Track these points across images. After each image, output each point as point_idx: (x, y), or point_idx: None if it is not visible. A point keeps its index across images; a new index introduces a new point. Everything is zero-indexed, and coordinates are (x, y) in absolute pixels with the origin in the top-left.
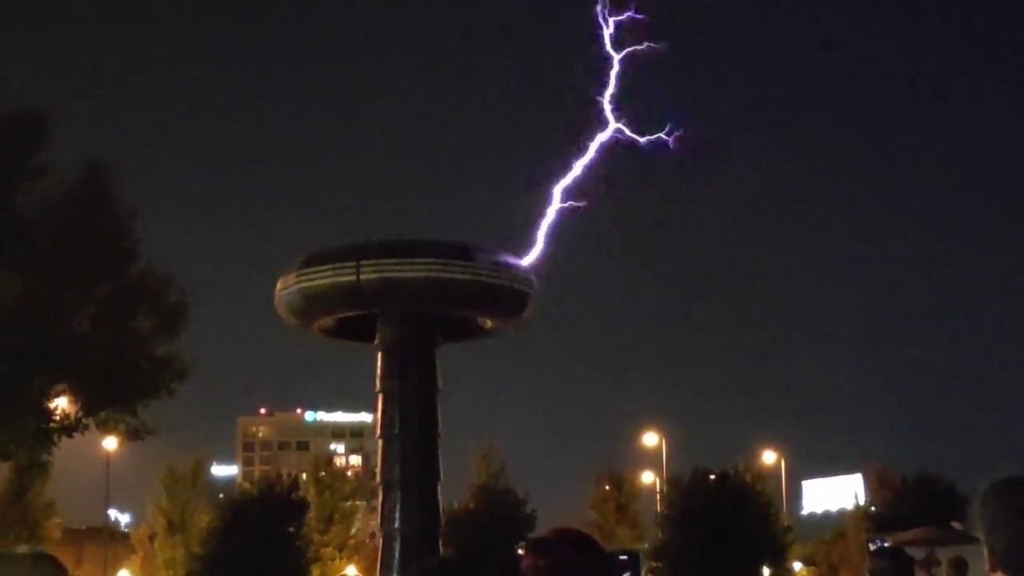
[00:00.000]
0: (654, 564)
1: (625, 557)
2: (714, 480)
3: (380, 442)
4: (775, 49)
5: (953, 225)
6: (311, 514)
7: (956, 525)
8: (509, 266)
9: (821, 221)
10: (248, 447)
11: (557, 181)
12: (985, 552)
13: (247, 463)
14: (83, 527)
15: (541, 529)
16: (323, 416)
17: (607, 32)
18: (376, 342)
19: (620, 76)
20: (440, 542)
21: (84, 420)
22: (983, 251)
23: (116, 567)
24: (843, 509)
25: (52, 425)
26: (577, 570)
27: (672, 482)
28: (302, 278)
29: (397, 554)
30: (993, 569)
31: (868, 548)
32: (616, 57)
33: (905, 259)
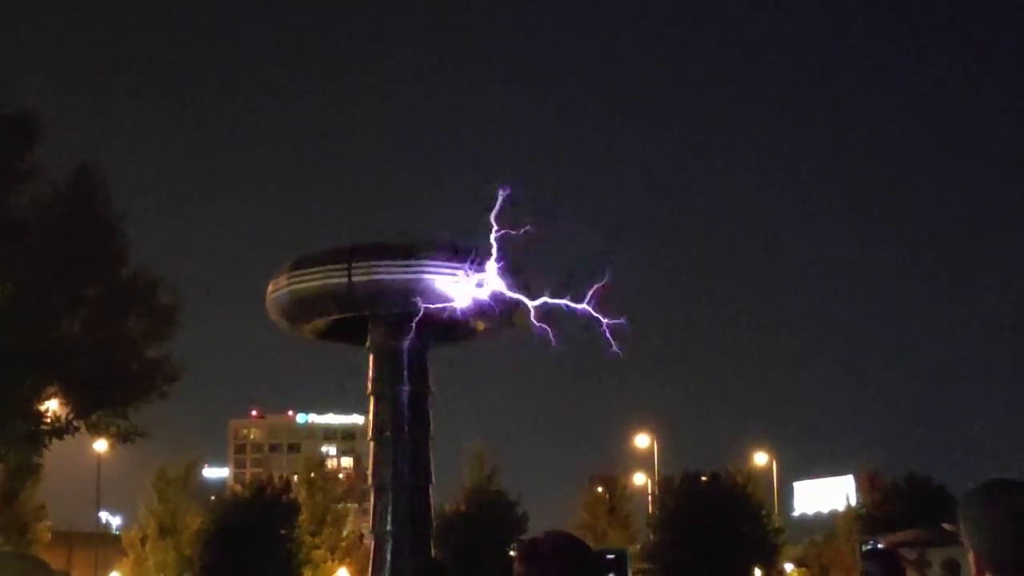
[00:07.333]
0: (644, 566)
1: (612, 556)
2: (705, 482)
3: (372, 444)
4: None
5: (941, 229)
6: (303, 516)
7: (947, 526)
8: (499, 270)
9: (812, 225)
10: (239, 449)
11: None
12: (971, 555)
13: (238, 465)
14: (74, 530)
15: (532, 532)
16: (315, 418)
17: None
18: (367, 344)
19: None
20: (432, 544)
21: (75, 422)
22: (971, 255)
23: (107, 570)
24: (834, 510)
25: (43, 427)
26: (565, 572)
27: (664, 484)
28: (293, 280)
29: (389, 556)
30: (980, 571)
31: (859, 549)
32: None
33: (894, 262)
